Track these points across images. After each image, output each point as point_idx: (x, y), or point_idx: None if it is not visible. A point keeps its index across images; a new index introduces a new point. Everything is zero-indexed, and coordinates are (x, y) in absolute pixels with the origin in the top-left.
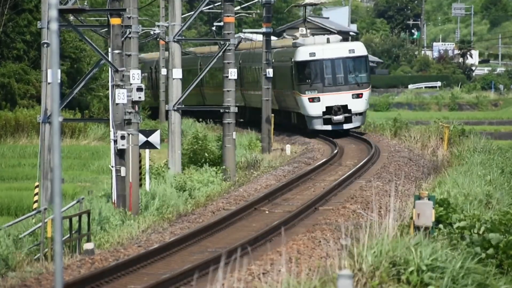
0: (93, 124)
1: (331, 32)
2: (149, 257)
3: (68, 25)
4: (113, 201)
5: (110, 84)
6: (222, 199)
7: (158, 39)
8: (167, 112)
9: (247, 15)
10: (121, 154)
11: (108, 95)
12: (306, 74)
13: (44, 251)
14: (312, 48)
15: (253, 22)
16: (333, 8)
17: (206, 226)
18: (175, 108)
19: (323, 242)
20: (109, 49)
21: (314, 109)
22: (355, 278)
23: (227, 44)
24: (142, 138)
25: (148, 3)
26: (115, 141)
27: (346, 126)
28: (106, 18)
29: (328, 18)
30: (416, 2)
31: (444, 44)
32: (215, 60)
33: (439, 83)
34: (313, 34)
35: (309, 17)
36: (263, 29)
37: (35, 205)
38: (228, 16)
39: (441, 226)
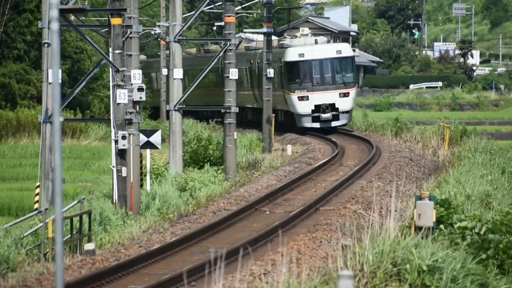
0: (94, 124)
1: (331, 32)
2: (150, 257)
3: (69, 25)
4: (114, 201)
5: (111, 84)
6: (223, 199)
7: (159, 39)
8: (167, 112)
9: (248, 15)
10: (122, 154)
11: (109, 95)
12: (295, 74)
13: (45, 251)
14: (301, 49)
15: (253, 22)
16: (334, 8)
17: (207, 226)
18: (176, 108)
19: (324, 242)
20: (110, 49)
21: (303, 108)
22: (356, 278)
23: (228, 44)
24: (143, 138)
25: (149, 3)
26: (116, 141)
27: (333, 124)
28: (107, 18)
29: (328, 18)
30: (417, 2)
31: (445, 44)
32: (215, 60)
33: (440, 83)
34: (314, 34)
35: (310, 17)
36: (264, 29)
37: (36, 205)
38: (229, 16)
39: (442, 226)
